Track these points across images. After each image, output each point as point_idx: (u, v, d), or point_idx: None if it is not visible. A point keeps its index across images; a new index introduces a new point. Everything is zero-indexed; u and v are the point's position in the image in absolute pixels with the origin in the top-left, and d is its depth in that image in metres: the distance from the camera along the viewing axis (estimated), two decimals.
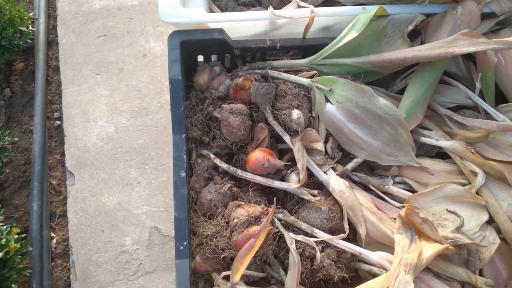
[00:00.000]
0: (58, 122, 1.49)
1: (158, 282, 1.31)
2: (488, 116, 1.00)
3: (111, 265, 1.32)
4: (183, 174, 0.91)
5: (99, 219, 1.36)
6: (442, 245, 0.82)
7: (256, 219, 0.87)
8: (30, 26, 1.56)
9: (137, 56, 1.57)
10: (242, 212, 0.88)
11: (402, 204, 0.93)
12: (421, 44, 1.03)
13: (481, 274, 0.89)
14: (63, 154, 1.45)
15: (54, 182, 1.42)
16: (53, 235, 1.36)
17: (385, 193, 0.97)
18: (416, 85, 0.97)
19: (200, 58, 1.05)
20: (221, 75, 1.02)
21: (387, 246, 0.89)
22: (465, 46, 0.91)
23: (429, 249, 0.81)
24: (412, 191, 0.97)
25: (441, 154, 1.00)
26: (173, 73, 0.95)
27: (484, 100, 1.00)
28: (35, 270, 1.26)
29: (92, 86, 1.52)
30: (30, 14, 1.57)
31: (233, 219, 0.88)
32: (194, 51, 1.01)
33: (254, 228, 0.86)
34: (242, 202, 0.91)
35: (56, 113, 1.50)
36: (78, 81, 1.53)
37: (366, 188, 0.99)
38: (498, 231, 0.90)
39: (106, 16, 1.62)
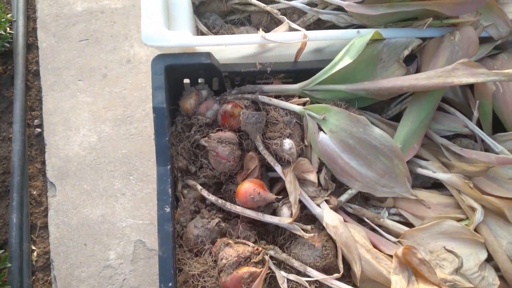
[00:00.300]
0: (39, 130, 1.36)
1: None
2: (485, 144, 0.91)
3: (94, 280, 1.21)
4: (167, 209, 0.80)
5: (82, 232, 1.25)
6: None
7: (246, 260, 0.77)
8: (8, 29, 1.42)
9: (121, 62, 1.43)
10: (231, 252, 0.78)
11: (398, 239, 0.84)
12: (417, 68, 0.93)
13: None
14: (43, 163, 1.32)
15: (34, 193, 1.30)
16: (33, 247, 1.25)
17: (380, 226, 0.88)
18: (413, 114, 0.87)
19: (186, 81, 0.93)
20: (209, 99, 0.91)
21: (383, 285, 0.80)
22: (464, 77, 0.81)
23: None
24: (408, 223, 0.88)
25: (437, 184, 0.91)
26: (157, 101, 0.83)
27: (481, 128, 0.91)
28: (14, 286, 1.16)
29: (74, 93, 1.39)
30: (8, 15, 1.42)
31: (222, 259, 0.78)
32: (180, 75, 0.89)
33: (244, 270, 0.76)
34: (230, 241, 0.80)
35: (36, 120, 1.37)
36: (59, 87, 1.39)
37: (360, 220, 0.89)
38: (497, 269, 0.82)
39: (89, 19, 1.47)
